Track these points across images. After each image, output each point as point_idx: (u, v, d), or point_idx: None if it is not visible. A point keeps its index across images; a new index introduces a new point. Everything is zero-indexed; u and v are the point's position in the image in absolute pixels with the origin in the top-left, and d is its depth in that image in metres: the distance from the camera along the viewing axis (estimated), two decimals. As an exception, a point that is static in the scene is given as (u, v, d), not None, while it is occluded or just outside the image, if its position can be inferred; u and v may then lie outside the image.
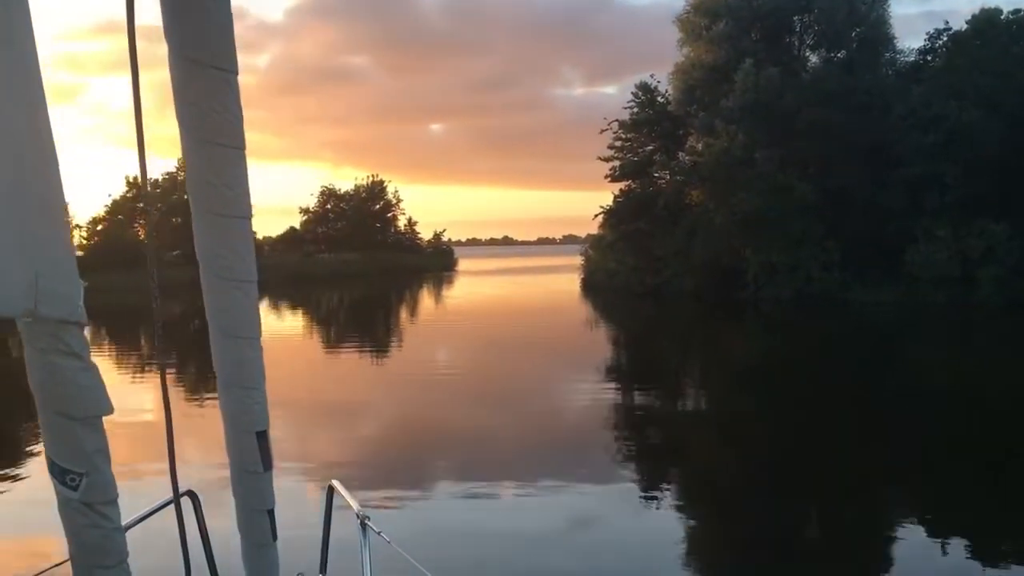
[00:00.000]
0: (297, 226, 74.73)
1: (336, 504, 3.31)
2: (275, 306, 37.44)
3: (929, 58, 34.14)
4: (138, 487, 7.50)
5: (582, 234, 62.96)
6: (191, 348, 18.70)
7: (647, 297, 34.81)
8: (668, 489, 9.31)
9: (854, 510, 8.20)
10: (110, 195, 57.28)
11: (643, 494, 8.89)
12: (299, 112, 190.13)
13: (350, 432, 12.35)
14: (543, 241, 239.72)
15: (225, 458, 2.44)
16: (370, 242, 70.61)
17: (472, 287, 51.74)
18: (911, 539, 7.37)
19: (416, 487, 8.97)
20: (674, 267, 35.05)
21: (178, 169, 49.39)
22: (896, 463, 9.84)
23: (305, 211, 74.93)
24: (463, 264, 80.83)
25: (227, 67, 2.13)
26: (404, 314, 36.13)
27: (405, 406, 14.15)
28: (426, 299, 44.25)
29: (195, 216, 2.24)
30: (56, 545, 1.86)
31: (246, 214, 2.27)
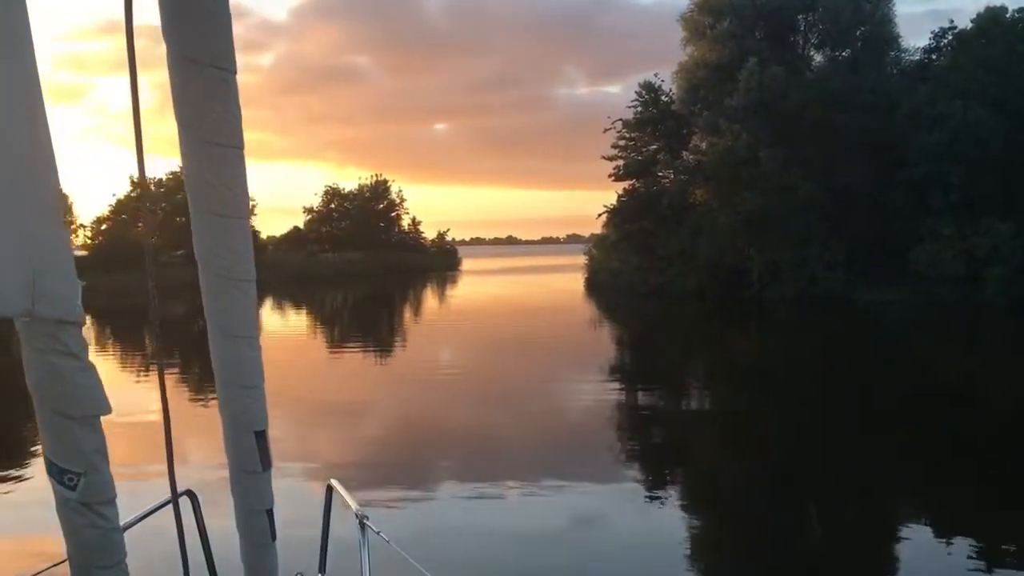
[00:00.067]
0: (301, 225, 74.98)
1: (335, 504, 3.30)
2: (279, 305, 37.51)
3: (934, 57, 34.07)
4: (141, 487, 7.51)
5: (586, 233, 62.93)
6: (195, 348, 18.72)
7: (651, 297, 34.78)
8: (671, 489, 9.31)
9: (858, 510, 8.18)
10: (114, 195, 57.48)
11: (647, 494, 8.87)
12: (303, 112, 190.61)
13: (351, 432, 12.35)
14: (547, 240, 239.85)
15: (225, 458, 2.44)
16: (374, 242, 70.69)
17: (476, 286, 51.75)
18: (915, 539, 7.35)
19: (416, 486, 8.95)
20: (678, 266, 35.01)
21: (182, 169, 49.46)
22: (901, 463, 9.82)
23: (309, 210, 75.17)
24: (467, 264, 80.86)
25: (226, 66, 2.13)
26: (408, 313, 36.16)
27: (407, 405, 14.15)
28: (430, 298, 44.28)
29: (193, 216, 2.24)
30: (57, 545, 1.86)
31: (244, 214, 2.27)
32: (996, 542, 7.22)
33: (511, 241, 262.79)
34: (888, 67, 34.19)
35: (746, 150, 31.95)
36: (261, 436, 2.37)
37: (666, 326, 28.49)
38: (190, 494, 2.85)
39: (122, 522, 1.88)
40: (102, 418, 1.77)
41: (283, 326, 28.50)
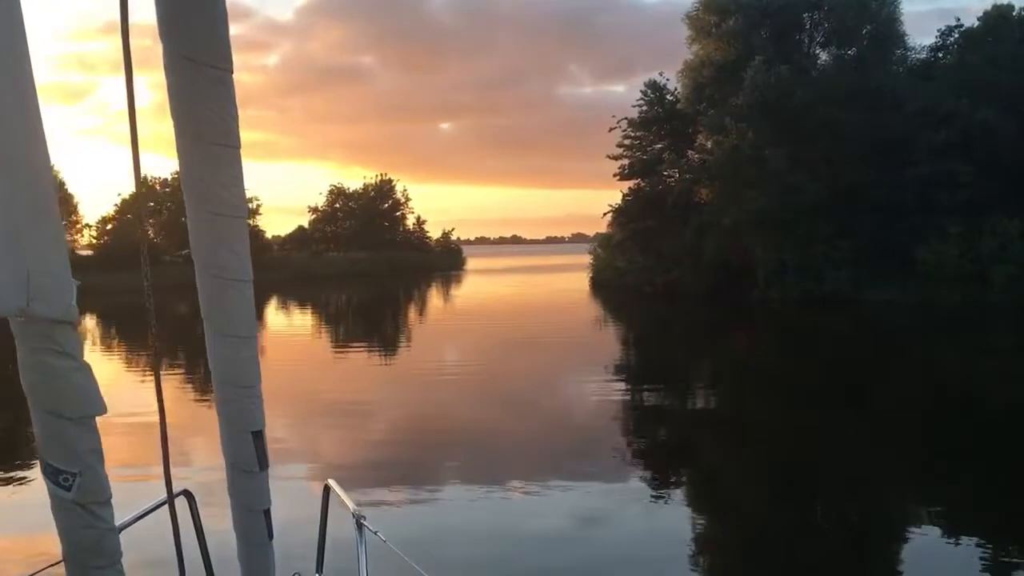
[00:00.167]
0: (306, 225, 75.16)
1: (332, 503, 3.30)
2: (284, 305, 37.56)
3: (940, 55, 33.96)
4: (140, 487, 7.51)
5: (591, 233, 63.04)
6: (199, 348, 18.71)
7: (656, 296, 34.72)
8: (676, 488, 9.28)
9: (862, 510, 8.15)
10: (119, 194, 57.57)
11: (653, 493, 8.83)
12: (308, 111, 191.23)
13: (352, 432, 12.31)
14: (551, 240, 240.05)
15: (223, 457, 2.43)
16: (379, 241, 70.77)
17: (481, 286, 51.75)
18: (919, 540, 7.31)
19: (415, 486, 8.89)
20: (683, 266, 34.94)
21: (179, 168, 49.65)
22: (906, 463, 9.78)
23: (314, 210, 75.30)
24: (472, 263, 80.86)
25: (223, 66, 2.12)
26: (412, 313, 36.18)
27: (410, 405, 14.14)
28: (435, 298, 44.29)
29: (190, 216, 2.24)
30: (54, 546, 1.85)
31: (241, 213, 2.26)
32: (1000, 544, 7.18)
33: (516, 240, 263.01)
34: (894, 66, 34.09)
35: (752, 149, 31.86)
36: (258, 436, 2.37)
37: (671, 326, 28.42)
38: (187, 494, 2.86)
39: (118, 522, 1.88)
40: (97, 418, 1.76)
41: (288, 325, 28.61)
